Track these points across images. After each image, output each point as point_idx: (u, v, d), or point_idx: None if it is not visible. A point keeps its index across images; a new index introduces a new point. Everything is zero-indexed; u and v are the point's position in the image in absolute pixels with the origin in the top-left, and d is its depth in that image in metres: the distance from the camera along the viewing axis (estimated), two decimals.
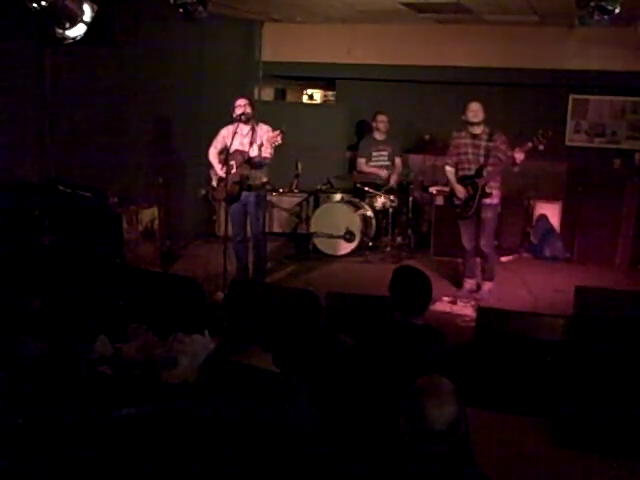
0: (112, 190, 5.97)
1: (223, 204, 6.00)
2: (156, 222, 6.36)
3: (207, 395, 2.23)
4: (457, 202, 5.94)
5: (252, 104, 5.78)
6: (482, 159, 5.75)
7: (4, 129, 5.22)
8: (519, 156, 5.51)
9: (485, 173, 5.72)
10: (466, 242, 6.02)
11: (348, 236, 7.30)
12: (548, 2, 6.17)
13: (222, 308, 4.87)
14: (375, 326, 3.03)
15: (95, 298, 4.40)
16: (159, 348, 3.69)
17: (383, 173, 7.57)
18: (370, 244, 7.48)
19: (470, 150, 5.81)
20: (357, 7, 7.00)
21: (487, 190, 5.75)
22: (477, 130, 5.76)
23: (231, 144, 5.59)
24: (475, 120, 5.72)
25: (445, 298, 5.84)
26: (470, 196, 5.81)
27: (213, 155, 5.90)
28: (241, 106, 5.65)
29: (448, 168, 6.02)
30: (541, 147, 5.50)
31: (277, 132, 5.55)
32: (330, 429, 2.30)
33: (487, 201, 5.78)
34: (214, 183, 5.94)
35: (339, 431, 2.54)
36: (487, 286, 6.05)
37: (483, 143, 5.75)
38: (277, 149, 5.70)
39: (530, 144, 5.48)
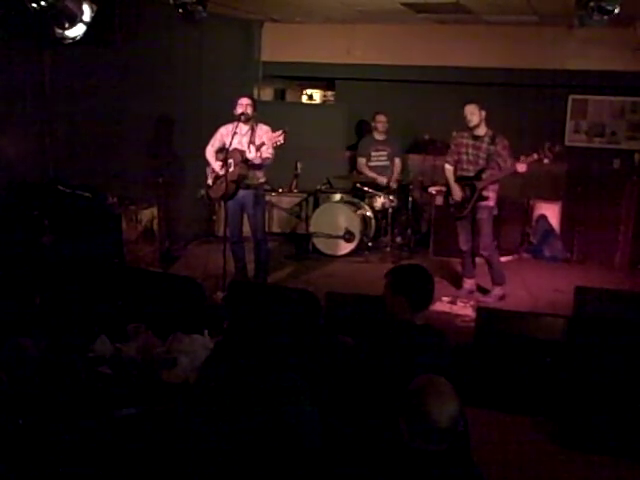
0: (112, 190, 5.97)
1: (223, 204, 5.99)
2: (156, 222, 6.36)
3: (207, 395, 2.24)
4: (452, 202, 5.96)
5: (254, 105, 5.76)
6: (482, 162, 5.73)
7: (4, 129, 5.22)
8: (521, 167, 5.50)
9: (484, 176, 5.70)
10: (462, 243, 6.01)
11: (348, 236, 7.30)
12: (548, 2, 6.17)
13: (222, 308, 4.87)
14: (375, 326, 3.02)
15: (95, 298, 4.40)
16: (159, 348, 3.69)
17: (383, 180, 7.57)
18: (370, 244, 7.48)
19: (470, 151, 5.79)
20: (357, 7, 6.99)
21: (484, 194, 5.74)
22: (479, 132, 5.72)
23: (230, 143, 5.58)
24: (470, 124, 5.68)
25: (445, 298, 5.84)
26: (466, 198, 5.81)
27: (210, 153, 5.88)
28: (242, 105, 5.63)
29: (447, 167, 6.02)
30: (546, 161, 5.50)
31: (279, 132, 5.53)
32: (330, 429, 2.30)
33: (482, 203, 5.78)
34: (209, 181, 5.92)
35: (339, 431, 2.54)
36: (496, 291, 5.99)
37: (485, 145, 5.71)
38: (277, 149, 5.68)
39: (536, 156, 5.47)
